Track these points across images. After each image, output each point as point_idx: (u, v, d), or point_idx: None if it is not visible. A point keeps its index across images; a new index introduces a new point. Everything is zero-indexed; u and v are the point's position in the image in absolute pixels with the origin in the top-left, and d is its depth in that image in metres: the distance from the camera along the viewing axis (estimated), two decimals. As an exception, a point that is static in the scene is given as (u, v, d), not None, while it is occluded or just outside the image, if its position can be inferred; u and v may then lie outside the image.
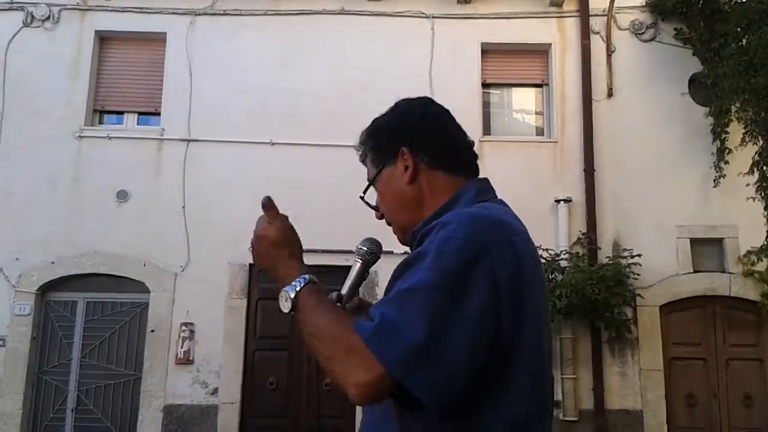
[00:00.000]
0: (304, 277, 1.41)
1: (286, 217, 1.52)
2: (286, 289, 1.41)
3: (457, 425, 1.30)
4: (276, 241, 1.48)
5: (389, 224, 1.61)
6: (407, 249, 1.51)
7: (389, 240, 1.71)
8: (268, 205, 1.51)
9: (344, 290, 1.52)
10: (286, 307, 1.40)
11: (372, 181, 1.61)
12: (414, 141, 1.53)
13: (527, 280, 1.33)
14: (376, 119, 1.63)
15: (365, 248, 1.55)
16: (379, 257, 1.56)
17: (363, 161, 1.65)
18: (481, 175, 1.59)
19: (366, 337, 1.23)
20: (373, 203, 1.64)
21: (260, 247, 1.51)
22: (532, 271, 1.36)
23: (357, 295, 1.59)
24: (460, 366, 1.23)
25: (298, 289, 1.39)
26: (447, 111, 1.61)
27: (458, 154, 1.57)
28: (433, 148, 1.54)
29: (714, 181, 8.25)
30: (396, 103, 1.64)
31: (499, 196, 1.56)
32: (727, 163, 8.20)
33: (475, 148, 1.62)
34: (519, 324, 1.30)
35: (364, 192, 1.63)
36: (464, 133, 1.60)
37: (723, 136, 8.31)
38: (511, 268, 1.29)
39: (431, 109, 1.60)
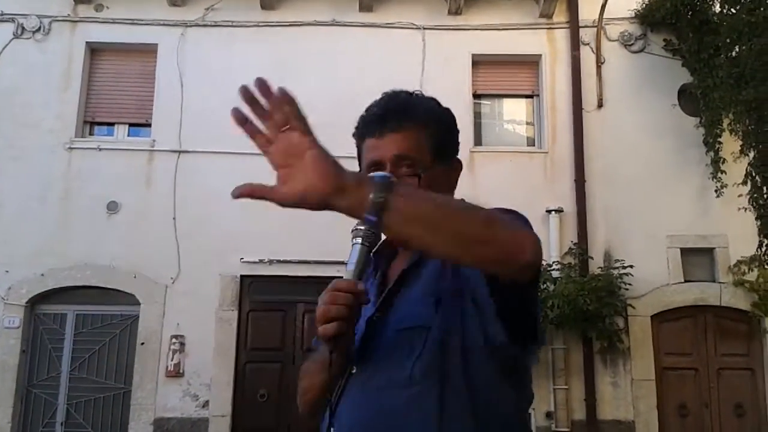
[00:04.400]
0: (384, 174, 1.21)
1: None
2: (373, 176, 1.17)
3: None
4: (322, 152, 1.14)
5: None
6: None
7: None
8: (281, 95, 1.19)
9: (348, 276, 1.27)
10: (379, 195, 1.12)
11: (431, 167, 1.44)
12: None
13: None
14: (431, 103, 1.51)
15: (364, 227, 1.21)
16: (381, 237, 1.26)
17: (398, 127, 1.47)
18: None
19: (514, 217, 1.29)
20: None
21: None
22: None
23: (361, 280, 1.29)
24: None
25: (386, 182, 1.14)
26: None
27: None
28: (460, 170, 1.54)
29: (715, 191, 8.16)
30: (445, 107, 1.53)
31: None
32: (724, 173, 8.16)
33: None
34: None
35: (424, 171, 1.43)
36: None
37: (717, 146, 8.29)
38: None
39: None
